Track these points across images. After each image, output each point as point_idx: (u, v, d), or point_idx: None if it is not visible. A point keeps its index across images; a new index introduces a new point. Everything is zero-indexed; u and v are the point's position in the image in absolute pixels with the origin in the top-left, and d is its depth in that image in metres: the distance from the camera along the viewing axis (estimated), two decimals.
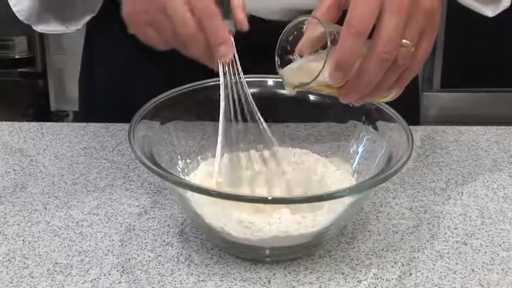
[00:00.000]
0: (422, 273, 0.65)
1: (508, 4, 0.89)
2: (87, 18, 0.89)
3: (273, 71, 0.66)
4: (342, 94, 0.64)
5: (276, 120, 0.73)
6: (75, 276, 0.64)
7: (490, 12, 0.90)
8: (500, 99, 2.57)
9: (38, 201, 0.75)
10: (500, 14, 0.90)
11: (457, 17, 2.25)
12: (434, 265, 0.66)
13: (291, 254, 0.66)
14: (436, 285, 0.63)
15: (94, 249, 0.67)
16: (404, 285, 0.63)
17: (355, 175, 0.72)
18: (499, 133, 0.90)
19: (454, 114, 2.56)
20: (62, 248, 0.68)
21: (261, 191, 0.70)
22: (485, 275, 0.65)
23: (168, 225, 0.71)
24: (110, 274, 0.64)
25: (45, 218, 0.72)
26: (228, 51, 0.65)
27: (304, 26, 0.64)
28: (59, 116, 2.57)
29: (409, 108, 0.89)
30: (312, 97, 0.75)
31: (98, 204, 0.74)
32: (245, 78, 0.67)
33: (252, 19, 0.68)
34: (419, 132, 0.90)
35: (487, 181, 0.80)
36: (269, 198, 0.66)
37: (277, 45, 0.65)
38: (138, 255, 0.67)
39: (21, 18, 0.88)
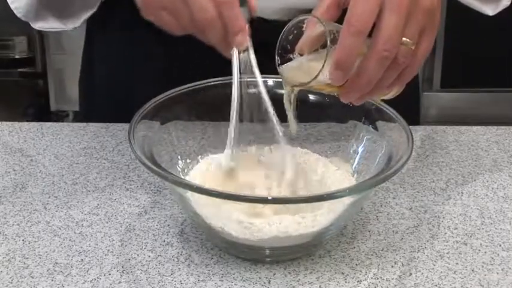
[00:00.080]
0: (422, 273, 0.65)
1: (508, 3, 0.89)
2: (86, 15, 0.88)
3: (273, 71, 0.66)
4: (342, 93, 0.64)
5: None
6: (75, 276, 0.64)
7: (490, 10, 0.90)
8: (500, 99, 2.57)
9: (38, 201, 0.75)
10: (500, 13, 0.90)
11: (457, 16, 2.26)
12: (434, 265, 0.66)
13: (291, 254, 0.66)
14: (436, 285, 0.63)
15: (94, 249, 0.67)
16: (404, 285, 0.63)
17: (355, 175, 0.72)
18: (499, 133, 0.90)
19: (454, 114, 2.56)
20: (62, 248, 0.68)
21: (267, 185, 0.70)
22: (485, 275, 0.65)
23: (168, 225, 0.71)
24: (110, 274, 0.64)
25: (45, 218, 0.72)
26: (245, 39, 0.65)
27: (304, 25, 0.64)
28: (59, 116, 2.57)
29: (409, 108, 0.89)
30: (312, 97, 0.75)
31: (98, 204, 0.74)
32: (245, 78, 0.67)
33: (252, 18, 0.68)
34: (419, 132, 0.90)
35: (487, 181, 0.80)
36: (269, 198, 0.65)
37: (277, 44, 0.65)
38: (138, 255, 0.67)
39: (18, 15, 0.88)
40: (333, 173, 0.73)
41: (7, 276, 0.64)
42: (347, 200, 0.63)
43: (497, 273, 0.65)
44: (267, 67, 0.67)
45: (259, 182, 0.68)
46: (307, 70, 0.63)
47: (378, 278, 0.64)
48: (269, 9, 0.83)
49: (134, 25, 0.84)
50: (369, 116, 0.72)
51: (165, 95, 0.72)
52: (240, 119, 0.66)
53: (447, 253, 0.67)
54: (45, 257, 0.66)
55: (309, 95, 0.75)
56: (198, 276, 0.64)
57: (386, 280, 0.64)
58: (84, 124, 0.90)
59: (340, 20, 0.62)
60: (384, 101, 0.71)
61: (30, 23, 0.89)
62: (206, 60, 0.74)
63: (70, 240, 0.69)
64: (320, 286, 0.63)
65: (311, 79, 0.61)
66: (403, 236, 0.70)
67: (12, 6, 0.87)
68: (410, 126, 0.69)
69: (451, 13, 2.29)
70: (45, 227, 0.71)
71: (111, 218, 0.72)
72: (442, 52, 2.49)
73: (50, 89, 2.55)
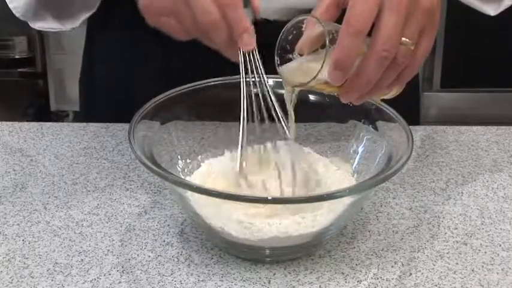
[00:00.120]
0: (422, 273, 0.65)
1: (510, 3, 0.89)
2: (85, 16, 0.88)
3: (273, 71, 0.66)
4: (342, 93, 0.64)
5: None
6: (75, 276, 0.64)
7: (491, 11, 0.90)
8: (500, 99, 2.57)
9: (38, 201, 0.75)
10: (500, 13, 0.90)
11: (457, 16, 2.26)
12: (434, 265, 0.66)
13: (291, 254, 0.66)
14: (436, 285, 0.63)
15: (94, 249, 0.67)
16: (404, 285, 0.63)
17: (355, 175, 0.72)
18: (499, 133, 0.90)
19: (454, 114, 2.56)
20: (62, 248, 0.68)
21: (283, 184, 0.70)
22: (485, 275, 0.65)
23: (168, 225, 0.71)
24: (110, 274, 0.64)
25: (45, 218, 0.72)
26: (251, 40, 0.64)
27: (304, 25, 0.64)
28: (59, 116, 2.57)
29: (409, 108, 0.89)
30: (312, 97, 0.75)
31: (98, 204, 0.74)
32: (246, 78, 0.67)
33: (256, 19, 0.68)
34: (419, 132, 0.90)
35: (487, 181, 0.80)
36: (269, 198, 0.65)
37: (277, 44, 0.65)
38: (138, 255, 0.67)
39: (17, 14, 0.88)
40: (333, 173, 0.73)
41: (7, 276, 0.64)
42: (347, 200, 0.63)
43: (497, 273, 0.65)
44: (267, 67, 0.67)
45: (272, 182, 0.68)
46: (307, 70, 0.63)
47: (378, 278, 0.64)
48: (269, 9, 0.83)
49: (134, 25, 0.84)
50: (369, 116, 0.72)
51: (165, 95, 0.72)
52: (248, 118, 0.66)
53: (447, 253, 0.67)
54: (45, 257, 0.66)
55: (309, 95, 0.75)
56: (198, 276, 0.64)
57: (386, 280, 0.64)
58: (84, 124, 0.90)
59: (339, 20, 0.62)
60: (384, 101, 0.71)
61: (29, 23, 0.89)
62: (206, 60, 0.74)
63: (70, 240, 0.69)
64: (320, 286, 0.63)
65: (310, 79, 0.61)
66: (403, 236, 0.70)
67: (10, 6, 0.87)
68: (410, 126, 0.69)
69: (451, 13, 2.30)
70: (45, 227, 0.71)
71: (111, 218, 0.72)
72: (442, 52, 2.49)
73: (50, 89, 2.56)
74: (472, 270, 0.65)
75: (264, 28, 0.69)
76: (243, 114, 0.65)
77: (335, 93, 0.65)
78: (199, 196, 0.61)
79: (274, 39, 0.65)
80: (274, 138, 0.68)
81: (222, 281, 0.63)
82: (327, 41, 0.60)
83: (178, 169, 0.72)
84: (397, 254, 0.67)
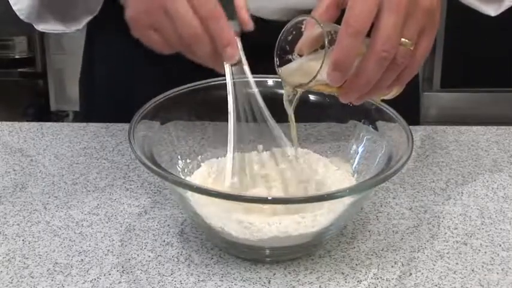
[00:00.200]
0: (422, 273, 0.65)
1: (511, 3, 0.89)
2: (87, 19, 0.89)
3: (272, 71, 0.66)
4: (341, 93, 0.64)
5: (276, 120, 0.73)
6: (75, 276, 0.64)
7: (492, 11, 0.89)
8: (500, 99, 2.57)
9: (38, 201, 0.75)
10: (500, 13, 0.90)
11: (457, 16, 2.26)
12: (434, 265, 0.66)
13: (291, 254, 0.66)
14: (436, 285, 0.63)
15: (94, 249, 0.67)
16: (404, 285, 0.63)
17: (355, 175, 0.72)
18: (499, 133, 0.90)
19: (454, 114, 2.56)
20: (62, 248, 0.68)
21: (275, 192, 0.70)
22: (485, 275, 0.65)
23: (168, 225, 0.71)
24: (110, 274, 0.64)
25: (45, 218, 0.72)
26: (234, 52, 0.64)
27: (303, 26, 0.64)
28: (59, 116, 2.57)
29: (409, 108, 0.89)
30: (312, 97, 0.75)
31: (98, 204, 0.74)
32: (247, 84, 0.67)
33: (251, 19, 0.68)
34: (419, 132, 0.90)
35: (487, 181, 0.80)
36: (269, 198, 0.65)
37: (276, 45, 0.65)
38: (138, 255, 0.67)
39: (21, 17, 0.88)
40: (333, 173, 0.73)
41: (7, 276, 0.64)
42: (347, 200, 0.63)
43: (497, 273, 0.65)
44: (266, 67, 0.67)
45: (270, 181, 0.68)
46: (306, 71, 0.63)
47: (378, 278, 0.64)
48: (268, 9, 0.83)
49: None
50: (369, 116, 0.72)
51: (165, 95, 0.72)
52: (239, 122, 0.66)
53: (447, 253, 0.67)
54: (45, 257, 0.66)
55: (309, 95, 0.75)
56: (198, 276, 0.64)
57: (386, 280, 0.64)
58: (84, 124, 0.90)
59: (339, 20, 0.62)
60: (384, 101, 0.71)
61: (33, 25, 0.90)
62: None
63: (70, 240, 0.69)
64: (320, 286, 0.63)
65: (309, 80, 0.61)
66: (403, 236, 0.70)
67: (15, 8, 0.87)
68: (410, 126, 0.69)
69: (451, 13, 2.29)
70: (45, 227, 0.71)
71: (111, 218, 0.72)
72: (442, 52, 2.49)
73: (50, 89, 2.56)
74: (472, 270, 0.65)
75: (264, 28, 0.69)
76: (232, 128, 0.65)
77: (335, 93, 0.65)
78: (199, 196, 0.61)
79: (273, 40, 0.65)
80: (268, 145, 0.69)
81: (222, 281, 0.63)
82: (326, 42, 0.60)
83: (178, 169, 0.72)
84: (397, 254, 0.67)
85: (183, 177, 0.72)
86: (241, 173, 0.68)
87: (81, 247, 0.68)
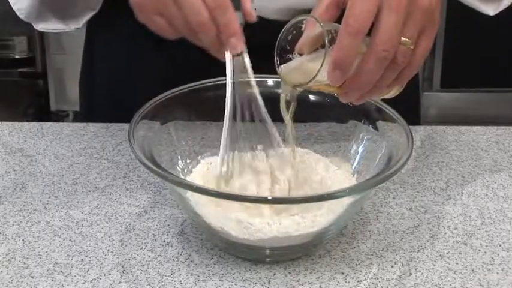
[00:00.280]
0: (422, 273, 0.65)
1: (510, 2, 0.89)
2: (88, 16, 0.89)
3: (272, 71, 0.66)
4: (341, 93, 0.64)
5: (276, 120, 0.73)
6: (75, 276, 0.64)
7: (491, 10, 0.90)
8: (500, 99, 2.57)
9: (38, 201, 0.75)
10: (500, 13, 0.90)
11: (457, 16, 2.26)
12: (434, 265, 0.66)
13: (291, 254, 0.66)
14: (436, 285, 0.63)
15: (94, 249, 0.67)
16: (404, 285, 0.63)
17: (355, 175, 0.72)
18: (499, 133, 0.90)
19: (454, 114, 2.56)
20: (62, 248, 0.68)
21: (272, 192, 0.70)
22: (485, 275, 0.65)
23: (168, 225, 0.71)
24: (110, 274, 0.64)
25: (45, 218, 0.72)
26: (239, 43, 0.65)
27: (303, 25, 0.64)
28: (59, 116, 2.57)
29: (409, 108, 0.89)
30: (312, 97, 0.75)
31: (98, 204, 0.74)
32: (247, 77, 0.67)
33: (247, 23, 0.68)
34: (419, 132, 0.90)
35: (487, 181, 0.80)
36: (269, 198, 0.65)
37: (276, 44, 0.65)
38: (138, 255, 0.67)
39: (21, 16, 0.88)
40: (333, 173, 0.73)
41: (7, 276, 0.64)
42: (347, 200, 0.63)
43: (497, 273, 0.65)
44: (267, 67, 0.67)
45: (252, 187, 0.68)
46: (306, 70, 0.63)
47: (378, 278, 0.64)
48: (269, 9, 0.83)
49: (134, 25, 0.84)
50: (369, 116, 0.72)
51: (165, 95, 0.72)
52: (235, 120, 0.66)
53: (447, 253, 0.67)
54: (45, 257, 0.66)
55: (309, 95, 0.75)
56: (198, 276, 0.64)
57: (387, 280, 0.64)
58: (84, 124, 0.90)
59: (339, 20, 0.61)
60: (384, 101, 0.71)
61: (33, 24, 0.90)
62: (206, 60, 0.74)
63: (70, 240, 0.69)
64: (320, 286, 0.63)
65: (309, 79, 0.61)
66: (403, 236, 0.70)
67: (14, 8, 0.87)
68: (410, 126, 0.69)
69: (451, 13, 2.30)
70: (45, 227, 0.71)
71: (111, 218, 0.72)
72: (442, 52, 2.49)
73: (50, 89, 2.56)
74: (472, 270, 0.65)
75: (264, 28, 0.69)
76: (228, 119, 0.65)
77: (335, 93, 0.65)
78: (199, 196, 0.61)
79: (273, 39, 0.65)
80: (265, 143, 0.69)
81: (222, 281, 0.63)
82: (326, 41, 0.60)
83: (178, 169, 0.72)
84: (397, 254, 0.67)
85: (183, 177, 0.72)
86: (232, 162, 0.68)
87: (81, 247, 0.68)
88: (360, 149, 0.73)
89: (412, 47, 0.61)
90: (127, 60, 0.93)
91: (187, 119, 0.74)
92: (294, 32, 0.64)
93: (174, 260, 0.66)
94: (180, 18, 0.64)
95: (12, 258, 0.66)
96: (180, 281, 0.63)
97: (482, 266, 0.66)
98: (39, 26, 0.90)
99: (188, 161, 0.74)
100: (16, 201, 0.75)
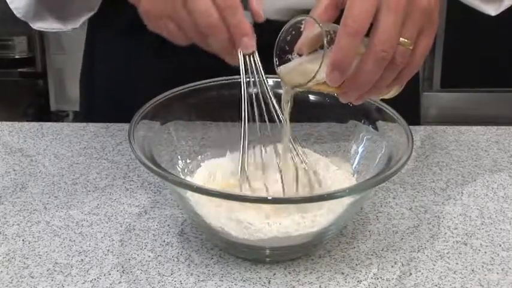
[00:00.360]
0: (422, 273, 0.65)
1: (511, 3, 0.89)
2: (86, 16, 0.89)
3: (273, 71, 0.66)
4: (340, 93, 0.64)
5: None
6: (75, 276, 0.64)
7: (492, 10, 0.90)
8: (500, 99, 2.57)
9: (38, 201, 0.75)
10: (501, 13, 0.90)
11: (457, 16, 2.26)
12: (434, 265, 0.66)
13: (291, 254, 0.66)
14: (436, 285, 0.63)
15: (94, 249, 0.67)
16: (404, 285, 0.63)
17: (355, 175, 0.72)
18: (499, 133, 0.90)
19: (454, 114, 2.56)
20: (62, 248, 0.68)
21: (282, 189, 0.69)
22: (485, 275, 0.65)
23: (168, 225, 0.71)
24: (110, 274, 0.64)
25: (45, 218, 0.72)
26: (251, 43, 0.64)
27: (302, 26, 0.64)
28: (59, 116, 2.57)
29: (409, 108, 0.89)
30: (312, 97, 0.75)
31: (98, 204, 0.74)
32: (247, 78, 0.67)
33: (256, 23, 0.68)
34: (419, 132, 0.90)
35: (487, 181, 0.80)
36: (269, 198, 0.65)
37: (276, 45, 0.65)
38: (138, 255, 0.67)
39: (18, 15, 0.88)
40: (333, 173, 0.73)
41: (7, 276, 0.64)
42: (347, 200, 0.63)
43: (497, 273, 0.65)
44: (266, 67, 0.67)
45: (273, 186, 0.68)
46: (305, 71, 0.63)
47: (378, 278, 0.64)
48: (269, 9, 0.83)
49: (134, 25, 0.84)
50: (369, 116, 0.72)
51: (165, 95, 0.72)
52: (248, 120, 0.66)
53: (447, 253, 0.67)
54: (45, 257, 0.66)
55: (309, 95, 0.75)
56: (198, 276, 0.64)
57: (387, 280, 0.64)
58: (84, 124, 0.91)
59: (338, 20, 0.62)
60: (384, 101, 0.71)
61: (30, 23, 0.90)
62: (206, 60, 0.74)
63: (70, 240, 0.69)
64: (320, 286, 0.63)
65: (309, 80, 0.61)
66: (403, 236, 0.70)
67: (11, 6, 0.87)
68: (410, 126, 0.69)
69: (451, 13, 2.30)
70: (45, 227, 0.71)
71: (111, 218, 0.72)
72: (442, 52, 2.49)
73: (50, 89, 2.56)
74: (472, 270, 0.65)
75: (264, 28, 0.69)
76: (244, 116, 0.64)
77: (334, 93, 0.65)
78: (199, 196, 0.61)
79: (273, 40, 0.65)
80: (275, 140, 0.68)
81: (222, 281, 0.63)
82: (325, 42, 0.60)
83: (179, 169, 0.72)
84: (397, 254, 0.67)
85: (183, 177, 0.72)
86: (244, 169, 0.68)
87: (81, 247, 0.68)
88: (360, 149, 0.73)
89: (411, 48, 0.61)
90: (127, 60, 0.93)
91: (187, 119, 0.74)
92: (293, 32, 0.64)
93: (174, 260, 0.66)
94: (189, 21, 0.63)
95: (12, 258, 0.66)
96: (180, 281, 0.63)
97: (482, 266, 0.66)
98: (37, 25, 0.90)
99: (188, 161, 0.74)
100: (16, 201, 0.75)
